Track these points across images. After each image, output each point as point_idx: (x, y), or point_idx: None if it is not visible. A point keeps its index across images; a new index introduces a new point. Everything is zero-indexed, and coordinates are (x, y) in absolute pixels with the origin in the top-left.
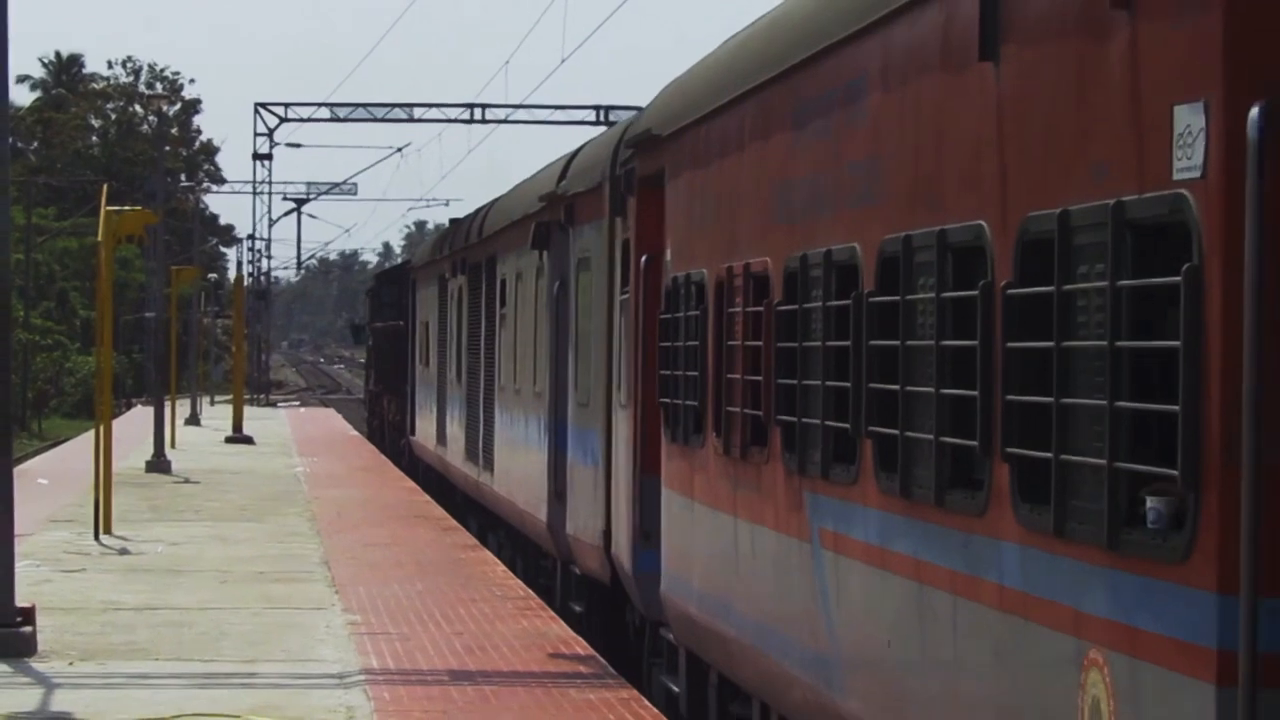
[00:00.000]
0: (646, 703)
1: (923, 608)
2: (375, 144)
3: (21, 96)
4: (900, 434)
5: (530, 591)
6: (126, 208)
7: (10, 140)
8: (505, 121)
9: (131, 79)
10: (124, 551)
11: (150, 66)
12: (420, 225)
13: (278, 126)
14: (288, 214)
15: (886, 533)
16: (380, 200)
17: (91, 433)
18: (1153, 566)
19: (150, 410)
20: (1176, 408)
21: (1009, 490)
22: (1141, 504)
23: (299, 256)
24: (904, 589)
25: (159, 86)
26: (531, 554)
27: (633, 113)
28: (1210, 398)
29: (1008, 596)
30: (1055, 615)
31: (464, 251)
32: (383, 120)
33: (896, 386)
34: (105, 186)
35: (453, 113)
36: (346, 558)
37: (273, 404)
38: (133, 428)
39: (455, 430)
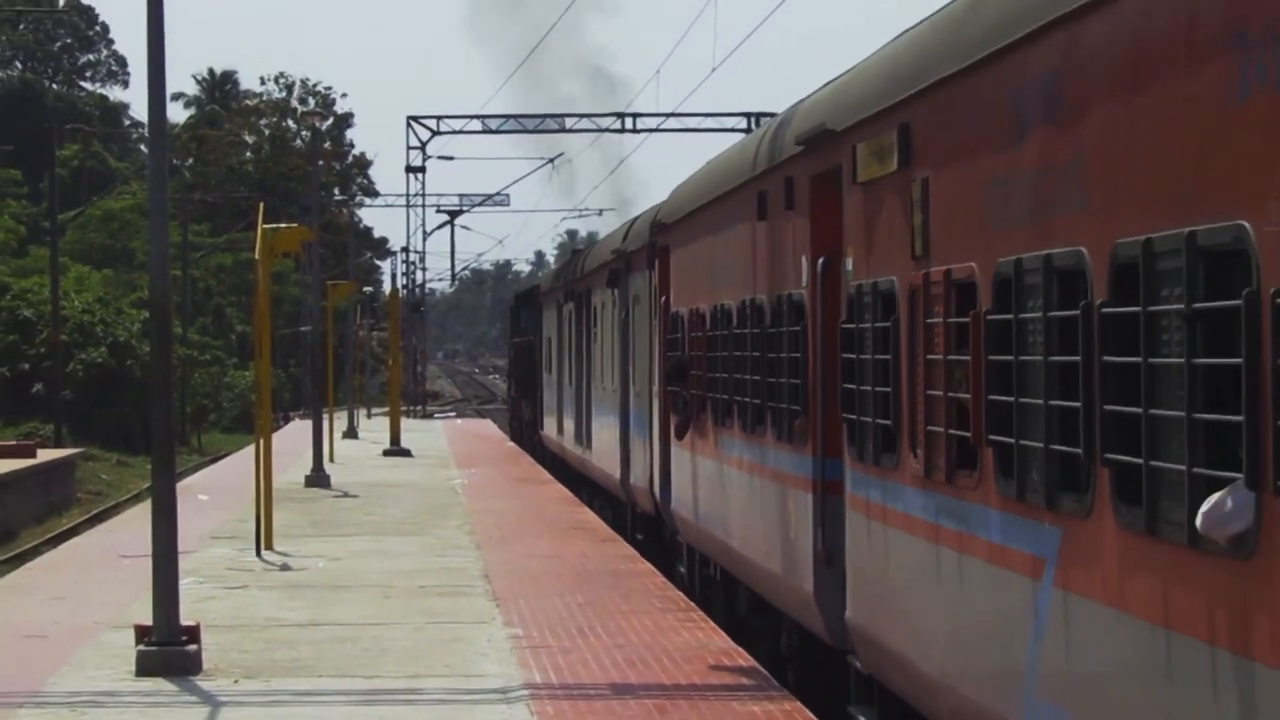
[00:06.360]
0: (809, 714)
1: (751, 484)
2: (528, 155)
3: (176, 114)
4: (741, 400)
5: (691, 603)
6: (283, 225)
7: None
8: (657, 130)
9: (284, 94)
10: (285, 567)
11: (303, 82)
12: (572, 235)
13: (430, 139)
14: (441, 226)
15: (744, 451)
16: (533, 211)
17: (250, 447)
18: (797, 449)
19: (307, 424)
20: (798, 381)
21: (770, 424)
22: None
23: (453, 268)
24: (746, 477)
25: (311, 102)
26: (612, 505)
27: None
28: (811, 377)
29: (771, 472)
30: (779, 477)
31: (573, 283)
32: (534, 131)
33: (741, 376)
34: (261, 204)
35: (604, 122)
36: (506, 570)
37: (429, 415)
38: (290, 442)
39: (568, 423)
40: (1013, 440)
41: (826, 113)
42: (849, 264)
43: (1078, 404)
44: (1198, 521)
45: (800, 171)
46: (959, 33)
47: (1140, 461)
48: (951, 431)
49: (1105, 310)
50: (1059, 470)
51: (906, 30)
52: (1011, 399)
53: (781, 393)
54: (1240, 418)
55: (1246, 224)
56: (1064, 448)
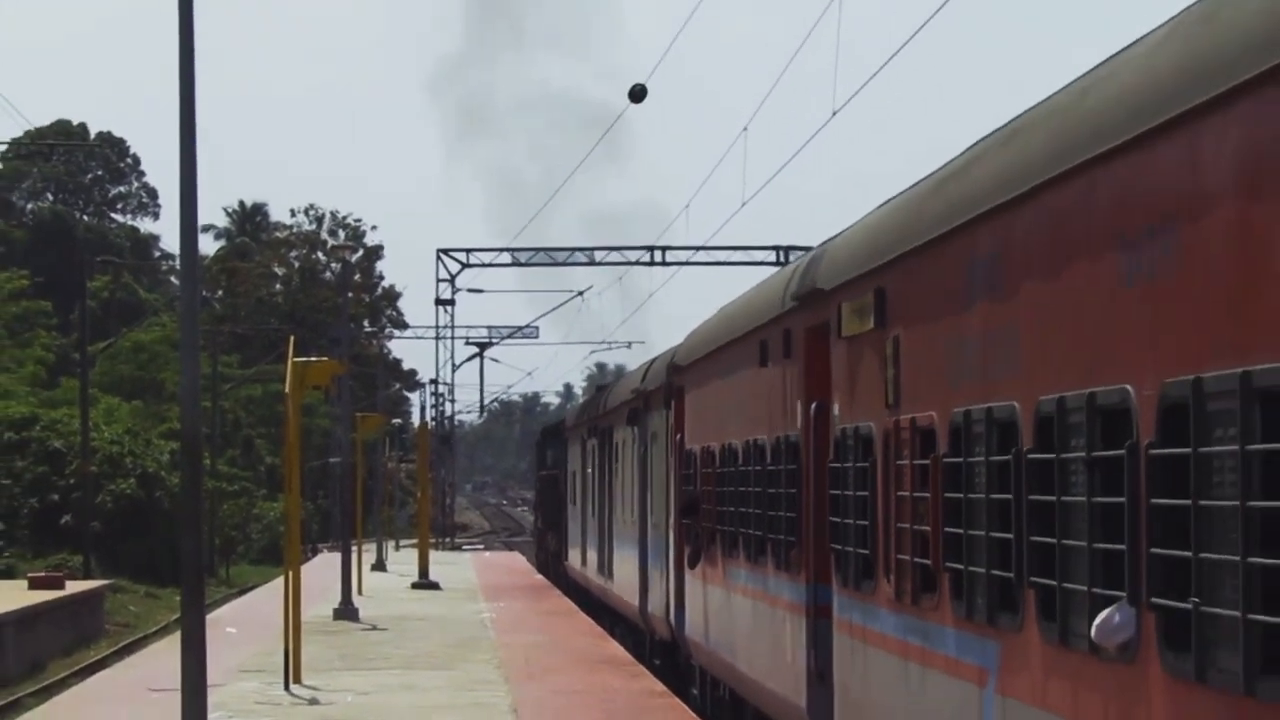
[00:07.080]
0: None
1: (754, 610)
2: (557, 288)
3: (206, 245)
4: (745, 532)
5: None
6: (313, 359)
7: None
8: (687, 264)
9: (314, 227)
10: (314, 701)
11: (333, 214)
12: (601, 367)
13: (459, 272)
14: (470, 359)
15: (748, 579)
16: (562, 344)
17: (278, 579)
18: (793, 577)
19: (336, 556)
20: (794, 515)
21: (771, 554)
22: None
23: (481, 400)
24: (750, 604)
25: (342, 234)
26: (632, 633)
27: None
28: (805, 511)
29: (771, 598)
30: (778, 603)
31: (596, 419)
32: (564, 264)
33: (745, 510)
34: (292, 339)
35: (634, 255)
36: (535, 705)
37: (457, 547)
38: (319, 574)
39: (591, 553)
40: (963, 567)
41: (819, 273)
42: (836, 409)
43: (1011, 535)
44: (1091, 633)
45: (796, 324)
46: (922, 209)
47: (1055, 583)
48: (916, 560)
49: (1030, 456)
50: (998, 592)
51: (886, 201)
52: (962, 531)
53: (780, 525)
54: (1124, 546)
55: (1130, 388)
56: (1001, 573)
